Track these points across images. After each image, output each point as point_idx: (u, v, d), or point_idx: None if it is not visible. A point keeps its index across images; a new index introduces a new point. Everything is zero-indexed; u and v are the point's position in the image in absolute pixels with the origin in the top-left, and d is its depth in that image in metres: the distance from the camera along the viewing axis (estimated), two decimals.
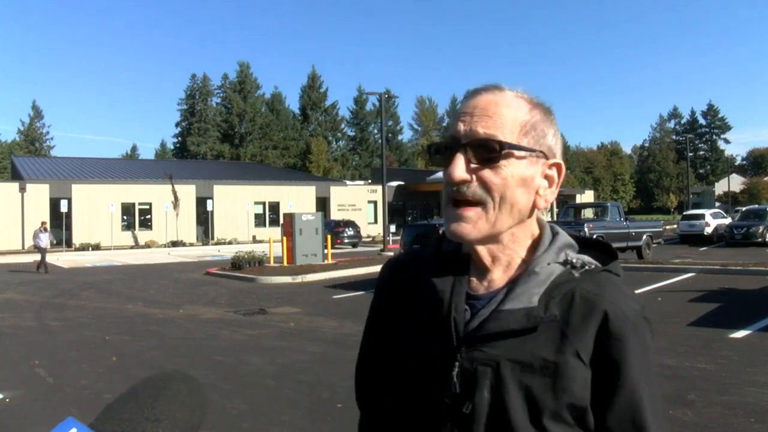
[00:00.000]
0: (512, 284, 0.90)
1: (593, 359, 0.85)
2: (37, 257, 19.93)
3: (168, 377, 0.79)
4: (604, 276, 0.91)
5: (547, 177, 0.93)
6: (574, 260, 0.91)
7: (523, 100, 0.91)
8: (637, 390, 0.85)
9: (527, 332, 0.86)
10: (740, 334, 7.62)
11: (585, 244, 0.98)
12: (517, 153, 0.88)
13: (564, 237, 0.96)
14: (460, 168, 0.87)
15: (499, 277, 0.93)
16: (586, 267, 0.91)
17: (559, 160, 0.95)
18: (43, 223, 21.18)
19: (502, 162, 0.87)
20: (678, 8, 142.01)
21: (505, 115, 0.89)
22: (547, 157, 0.92)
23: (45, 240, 19.84)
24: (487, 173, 0.87)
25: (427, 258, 1.00)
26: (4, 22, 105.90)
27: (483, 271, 0.94)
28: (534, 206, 0.92)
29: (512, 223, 0.90)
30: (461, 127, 0.89)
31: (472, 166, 0.87)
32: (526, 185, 0.90)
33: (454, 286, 0.92)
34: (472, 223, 0.88)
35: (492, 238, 0.91)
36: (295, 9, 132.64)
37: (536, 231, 0.96)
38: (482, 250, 0.92)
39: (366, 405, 1.07)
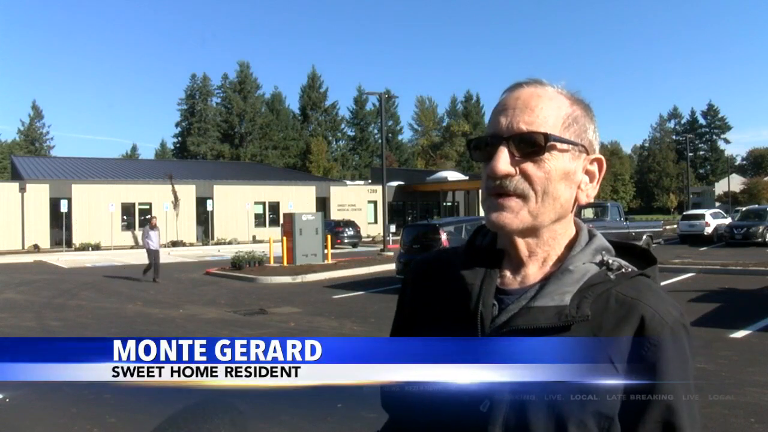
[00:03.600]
0: (545, 281, 0.88)
1: (626, 365, 0.80)
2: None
3: (209, 407, 0.75)
4: (641, 280, 0.88)
5: (588, 172, 0.92)
6: (611, 262, 0.89)
7: (563, 95, 0.91)
8: (674, 402, 0.80)
9: (557, 331, 0.83)
10: (740, 334, 7.62)
11: (623, 250, 0.96)
12: (560, 146, 0.87)
13: (601, 240, 0.94)
14: (504, 161, 0.85)
15: (533, 273, 0.91)
16: (623, 270, 0.88)
17: (599, 155, 0.93)
18: (152, 219, 16.99)
19: (546, 155, 0.86)
20: (678, 8, 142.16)
21: (548, 109, 0.87)
22: (588, 152, 0.91)
23: (156, 240, 16.05)
24: (530, 167, 0.86)
25: (458, 254, 0.98)
26: (4, 22, 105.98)
27: (517, 266, 0.92)
28: (576, 201, 0.91)
29: (554, 217, 0.89)
30: (503, 120, 0.87)
31: (516, 159, 0.86)
32: (568, 179, 0.88)
33: (484, 280, 0.90)
34: (515, 213, 0.86)
35: (533, 231, 0.89)
36: (295, 9, 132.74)
37: (573, 231, 0.94)
38: (521, 244, 0.90)
39: (391, 408, 1.02)
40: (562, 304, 0.84)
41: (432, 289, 0.98)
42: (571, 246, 0.92)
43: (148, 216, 16.94)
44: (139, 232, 33.34)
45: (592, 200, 0.93)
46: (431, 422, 0.87)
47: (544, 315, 0.84)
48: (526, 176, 0.86)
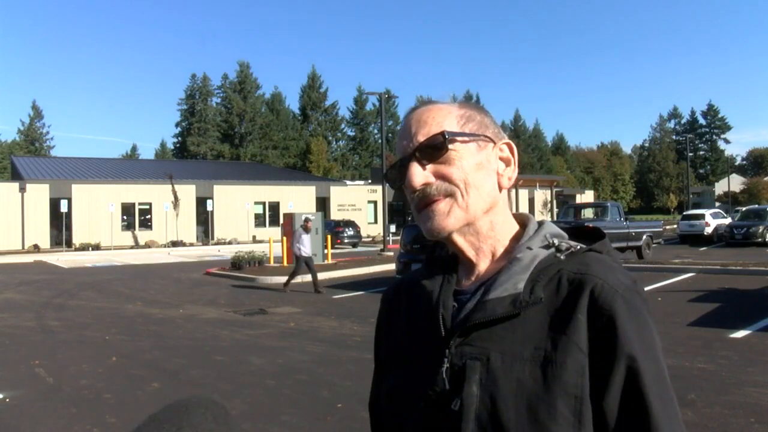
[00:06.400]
0: (496, 274, 0.90)
1: (586, 341, 0.81)
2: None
3: (191, 404, 0.74)
4: (590, 255, 0.89)
5: (502, 159, 0.95)
6: (558, 243, 0.90)
7: (451, 104, 0.96)
8: (634, 364, 0.79)
9: (514, 318, 0.84)
10: (740, 334, 7.62)
11: (575, 233, 0.97)
12: (460, 139, 0.90)
13: (550, 227, 0.95)
14: (417, 174, 0.89)
15: (484, 269, 0.93)
16: (571, 249, 0.89)
17: (507, 140, 0.97)
18: (307, 222, 14.08)
19: (451, 153, 0.89)
20: (678, 7, 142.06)
21: (440, 116, 0.92)
22: (494, 142, 0.94)
23: (308, 245, 13.58)
24: (442, 168, 0.89)
25: (420, 270, 1.02)
26: (4, 22, 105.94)
27: (469, 267, 0.94)
28: (500, 187, 0.94)
29: (485, 206, 0.91)
30: (405, 142, 0.92)
31: (427, 167, 0.90)
32: (483, 168, 0.91)
33: (442, 285, 0.93)
34: (446, 214, 0.89)
35: (470, 226, 0.91)
36: (295, 9, 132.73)
37: (514, 222, 0.97)
38: (463, 243, 0.93)
39: (373, 416, 1.07)
40: (515, 292, 0.85)
41: (402, 305, 1.01)
42: (518, 238, 0.94)
43: (304, 217, 14.56)
44: (139, 232, 33.40)
45: (513, 182, 0.96)
46: (406, 426, 0.89)
47: (500, 305, 0.85)
48: (443, 177, 0.89)
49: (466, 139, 0.91)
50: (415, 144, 0.90)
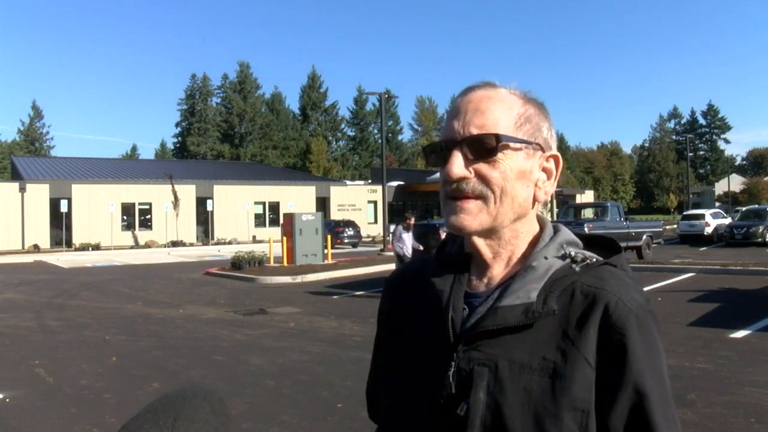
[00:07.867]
0: (510, 280, 0.89)
1: (596, 356, 0.81)
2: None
3: (188, 394, 0.73)
4: (605, 269, 0.88)
5: (545, 170, 0.92)
6: (574, 254, 0.89)
7: (515, 96, 0.91)
8: (643, 386, 0.79)
9: (525, 328, 0.83)
10: (740, 334, 7.61)
11: (590, 242, 0.96)
12: (513, 145, 0.87)
13: (566, 234, 0.94)
14: (458, 165, 0.86)
15: (499, 273, 0.91)
16: (587, 261, 0.88)
17: (555, 152, 0.94)
18: (408, 218, 12.42)
19: (500, 156, 0.86)
20: (678, 7, 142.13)
21: (499, 110, 0.88)
22: (543, 150, 0.91)
23: (409, 243, 11.80)
24: (485, 168, 0.86)
25: (429, 263, 1.00)
26: (4, 22, 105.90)
27: (483, 269, 0.92)
28: (534, 199, 0.91)
29: (513, 216, 0.89)
30: (456, 125, 0.88)
31: (470, 162, 0.87)
32: (525, 178, 0.89)
33: (453, 286, 0.91)
34: (473, 215, 0.87)
35: (493, 232, 0.90)
36: (295, 9, 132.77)
37: (537, 228, 0.95)
38: (483, 246, 0.91)
39: (376, 417, 1.07)
40: (528, 301, 0.84)
41: (407, 299, 0.99)
42: (535, 243, 0.92)
43: (405, 214, 12.83)
44: (139, 232, 33.39)
45: (549, 198, 0.94)
46: (407, 425, 0.89)
47: (512, 314, 0.84)
48: (482, 177, 0.87)
49: (518, 146, 0.88)
50: (464, 133, 0.87)
